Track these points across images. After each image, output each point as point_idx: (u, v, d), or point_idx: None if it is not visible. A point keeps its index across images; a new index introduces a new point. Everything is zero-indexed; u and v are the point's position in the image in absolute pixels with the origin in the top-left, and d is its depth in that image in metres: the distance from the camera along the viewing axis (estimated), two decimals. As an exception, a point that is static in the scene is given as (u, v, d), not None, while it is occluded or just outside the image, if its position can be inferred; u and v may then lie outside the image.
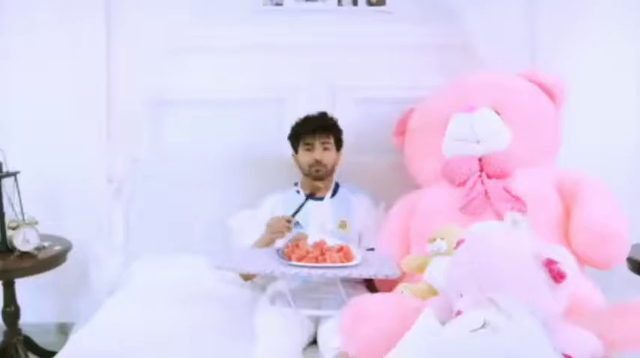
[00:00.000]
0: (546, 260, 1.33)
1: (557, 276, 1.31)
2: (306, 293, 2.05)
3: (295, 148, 2.39)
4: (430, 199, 2.10)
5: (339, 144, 2.38)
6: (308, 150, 2.32)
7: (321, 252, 1.92)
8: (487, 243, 1.42)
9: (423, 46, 2.58)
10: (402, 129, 2.38)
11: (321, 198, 2.33)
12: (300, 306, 1.96)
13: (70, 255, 2.44)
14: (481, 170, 2.03)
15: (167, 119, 2.68)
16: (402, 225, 2.15)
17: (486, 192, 1.96)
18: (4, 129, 2.53)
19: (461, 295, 1.39)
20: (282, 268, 1.86)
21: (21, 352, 2.42)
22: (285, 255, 1.94)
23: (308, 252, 1.92)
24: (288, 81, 2.65)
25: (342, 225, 2.28)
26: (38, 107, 2.54)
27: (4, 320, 2.43)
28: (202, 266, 2.31)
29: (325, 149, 2.31)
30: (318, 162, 2.29)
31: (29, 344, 2.51)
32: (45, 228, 2.44)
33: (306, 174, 2.35)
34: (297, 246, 1.99)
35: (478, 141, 2.05)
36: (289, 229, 2.16)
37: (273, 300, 2.03)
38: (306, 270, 1.85)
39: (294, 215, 2.19)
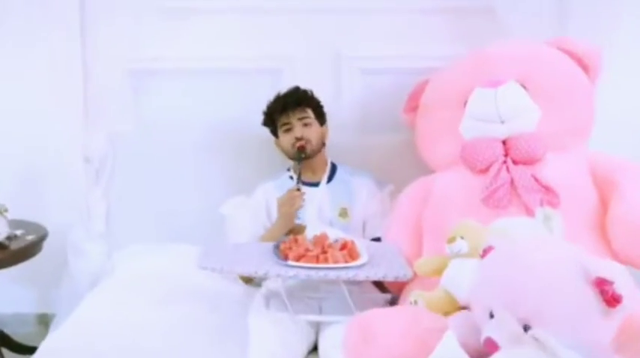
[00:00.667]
0: (597, 279, 1.08)
1: (612, 300, 1.06)
2: (304, 293, 1.83)
3: (275, 133, 2.14)
4: (446, 186, 1.85)
5: (321, 118, 2.13)
6: (287, 131, 2.08)
7: (322, 250, 1.68)
8: (522, 254, 1.16)
9: (438, 9, 2.30)
10: (413, 104, 2.11)
11: (317, 184, 2.08)
12: (299, 310, 1.72)
13: (46, 244, 2.25)
14: (506, 154, 1.76)
15: (150, 92, 2.41)
16: (414, 213, 1.90)
17: (512, 181, 1.70)
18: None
19: (491, 315, 1.15)
20: (277, 269, 1.62)
21: (-5, 348, 2.25)
22: (281, 253, 1.70)
23: (307, 250, 1.68)
24: (285, 49, 2.37)
25: (343, 213, 2.04)
26: (8, 82, 2.33)
27: None
28: (190, 256, 2.13)
29: (305, 125, 2.07)
30: (299, 140, 2.04)
31: (4, 340, 2.33)
32: (18, 213, 2.24)
33: (293, 158, 2.09)
34: (296, 241, 1.75)
35: (503, 121, 1.78)
36: (302, 196, 1.94)
37: (267, 301, 1.80)
38: (304, 272, 1.61)
39: (297, 183, 1.97)
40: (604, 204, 1.72)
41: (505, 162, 1.74)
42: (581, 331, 1.07)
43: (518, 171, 1.71)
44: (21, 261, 2.16)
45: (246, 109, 2.35)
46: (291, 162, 2.15)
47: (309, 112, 2.08)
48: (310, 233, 1.84)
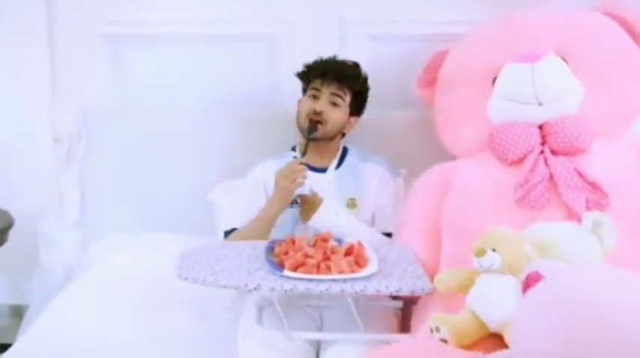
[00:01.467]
0: None
1: None
2: (303, 300, 1.58)
3: (304, 92, 1.88)
4: (470, 178, 1.57)
5: (358, 108, 1.86)
6: (312, 96, 1.81)
7: (324, 255, 1.42)
8: (590, 294, 0.89)
9: None
10: (430, 78, 1.82)
11: (324, 170, 1.82)
12: (296, 325, 1.48)
13: (13, 232, 2.00)
14: (543, 143, 1.48)
15: (129, 61, 2.12)
16: (430, 209, 1.62)
17: (551, 176, 1.43)
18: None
19: None
20: (270, 282, 1.37)
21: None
22: (275, 258, 1.45)
23: (307, 256, 1.42)
24: (283, 12, 2.09)
25: (351, 203, 1.78)
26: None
27: None
28: (176, 248, 1.89)
29: (333, 104, 1.79)
30: (316, 114, 1.77)
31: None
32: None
33: (301, 129, 1.82)
34: (293, 242, 1.50)
35: (540, 103, 1.49)
36: (304, 171, 1.68)
37: (260, 313, 1.55)
38: (303, 285, 1.36)
39: (302, 156, 1.72)
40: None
41: (542, 152, 1.46)
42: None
43: (558, 164, 1.43)
44: (-18, 252, 1.93)
45: (240, 81, 2.12)
46: (296, 140, 1.88)
47: (347, 94, 1.81)
48: (323, 214, 1.66)
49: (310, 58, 1.85)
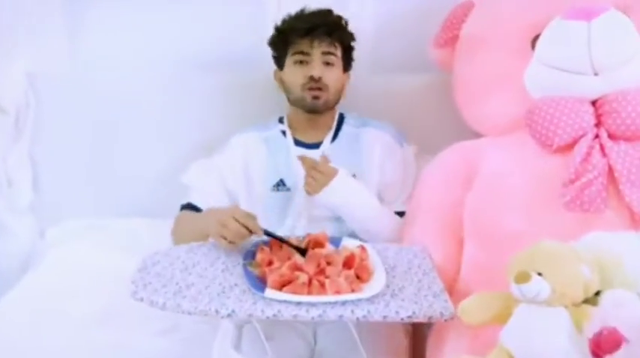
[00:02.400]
0: None
1: None
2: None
3: (280, 62, 1.55)
4: (501, 165, 1.26)
5: (347, 62, 1.56)
6: (300, 62, 1.50)
7: (317, 268, 1.13)
8: None
9: None
10: (451, 35, 1.49)
11: (317, 145, 1.52)
12: (282, 351, 1.20)
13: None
14: (598, 124, 1.16)
15: (89, 17, 1.79)
16: (449, 199, 1.32)
17: (610, 169, 1.11)
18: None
19: None
20: (247, 307, 1.07)
21: None
22: (256, 270, 1.15)
23: (295, 268, 1.12)
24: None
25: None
26: None
27: None
28: (144, 237, 1.72)
29: (328, 64, 1.49)
30: (315, 81, 1.47)
31: None
32: None
33: (296, 103, 1.51)
34: (280, 247, 1.20)
35: (597, 73, 1.17)
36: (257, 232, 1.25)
37: (239, 332, 1.26)
38: (290, 311, 1.06)
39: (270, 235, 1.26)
40: None
41: (598, 136, 1.15)
42: None
43: (619, 153, 1.12)
44: None
45: (218, 40, 1.78)
46: (284, 111, 1.58)
47: (338, 49, 1.52)
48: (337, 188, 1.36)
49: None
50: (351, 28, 1.53)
